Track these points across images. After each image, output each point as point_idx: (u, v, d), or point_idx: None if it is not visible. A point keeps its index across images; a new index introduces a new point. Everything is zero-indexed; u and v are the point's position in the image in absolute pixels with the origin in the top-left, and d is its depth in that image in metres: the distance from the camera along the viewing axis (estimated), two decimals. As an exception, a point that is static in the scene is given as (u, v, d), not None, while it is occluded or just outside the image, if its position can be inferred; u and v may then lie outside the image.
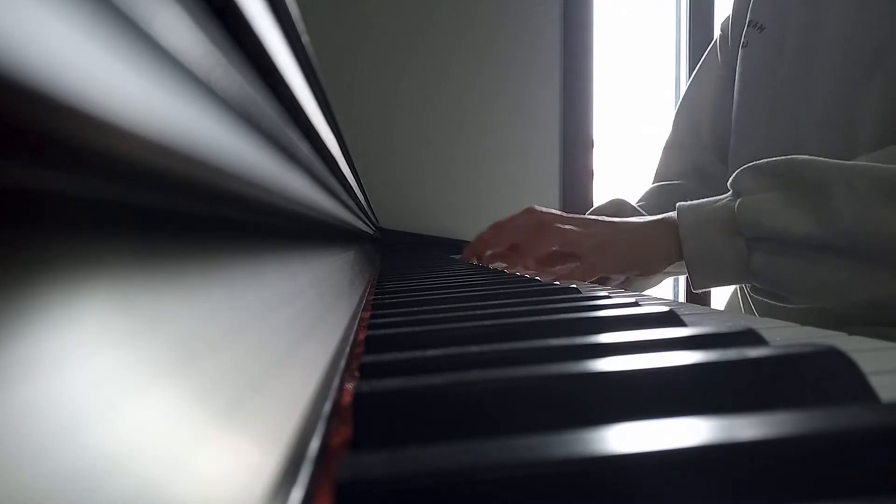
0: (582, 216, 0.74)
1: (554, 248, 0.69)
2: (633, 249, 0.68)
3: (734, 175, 0.62)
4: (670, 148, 0.95)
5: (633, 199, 0.91)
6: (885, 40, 0.64)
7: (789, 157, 0.59)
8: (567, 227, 0.69)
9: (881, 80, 0.64)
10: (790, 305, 0.62)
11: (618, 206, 0.86)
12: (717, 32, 0.92)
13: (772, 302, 0.63)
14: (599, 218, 0.72)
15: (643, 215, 0.83)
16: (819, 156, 0.59)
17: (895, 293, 0.58)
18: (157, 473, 0.08)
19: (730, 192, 0.63)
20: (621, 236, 0.68)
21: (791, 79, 0.73)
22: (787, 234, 0.57)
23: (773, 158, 0.60)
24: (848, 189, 0.55)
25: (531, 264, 0.73)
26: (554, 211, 0.74)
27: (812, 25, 0.71)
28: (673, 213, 0.66)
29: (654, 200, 0.91)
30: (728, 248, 0.61)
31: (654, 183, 0.97)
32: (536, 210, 0.73)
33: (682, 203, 0.66)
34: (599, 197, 1.60)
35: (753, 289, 0.64)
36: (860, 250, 0.55)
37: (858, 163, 0.57)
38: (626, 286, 0.82)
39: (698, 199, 0.70)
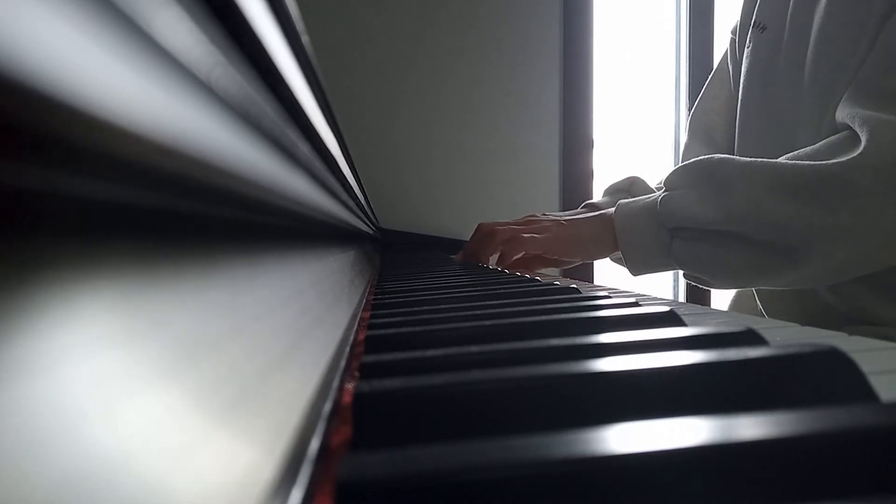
0: (531, 219, 0.85)
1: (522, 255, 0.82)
2: (574, 240, 0.79)
3: (669, 173, 0.72)
4: (688, 152, 0.98)
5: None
6: (857, 41, 0.65)
7: (710, 156, 0.69)
8: (528, 235, 0.79)
9: (847, 82, 0.66)
10: (712, 289, 0.73)
11: (631, 182, 0.95)
12: (730, 35, 0.94)
13: (699, 286, 0.75)
14: (546, 219, 0.84)
15: (652, 190, 0.95)
16: None
17: (801, 281, 0.65)
18: (158, 473, 0.08)
19: (663, 189, 0.72)
20: (565, 231, 0.80)
21: (784, 78, 0.75)
22: (697, 221, 0.66)
23: (699, 157, 0.70)
24: (745, 183, 0.63)
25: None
26: (502, 223, 0.84)
27: (803, 25, 0.73)
28: (612, 210, 0.77)
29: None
30: (653, 237, 0.71)
31: None
32: (492, 228, 0.84)
33: (622, 201, 0.77)
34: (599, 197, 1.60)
35: (684, 274, 0.73)
36: (755, 238, 0.63)
37: (765, 160, 0.64)
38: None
39: None
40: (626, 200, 0.76)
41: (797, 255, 0.61)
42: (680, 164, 0.71)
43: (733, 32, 0.92)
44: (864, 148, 0.57)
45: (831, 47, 0.68)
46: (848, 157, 0.58)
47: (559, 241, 0.79)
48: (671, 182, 0.70)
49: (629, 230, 0.73)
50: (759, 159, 0.65)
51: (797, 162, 0.62)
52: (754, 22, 0.81)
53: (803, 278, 0.64)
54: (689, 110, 1.00)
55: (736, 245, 0.65)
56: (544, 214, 0.87)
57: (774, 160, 0.64)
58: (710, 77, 0.97)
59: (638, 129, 1.85)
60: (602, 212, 0.80)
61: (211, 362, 0.12)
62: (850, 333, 0.30)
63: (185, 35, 0.11)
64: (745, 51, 0.83)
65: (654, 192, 0.91)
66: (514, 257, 0.82)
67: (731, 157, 0.67)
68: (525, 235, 0.80)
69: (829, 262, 0.61)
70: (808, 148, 0.65)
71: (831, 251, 0.60)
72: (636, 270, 0.75)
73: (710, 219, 0.65)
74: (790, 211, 0.60)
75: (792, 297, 0.76)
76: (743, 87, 0.83)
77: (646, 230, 0.72)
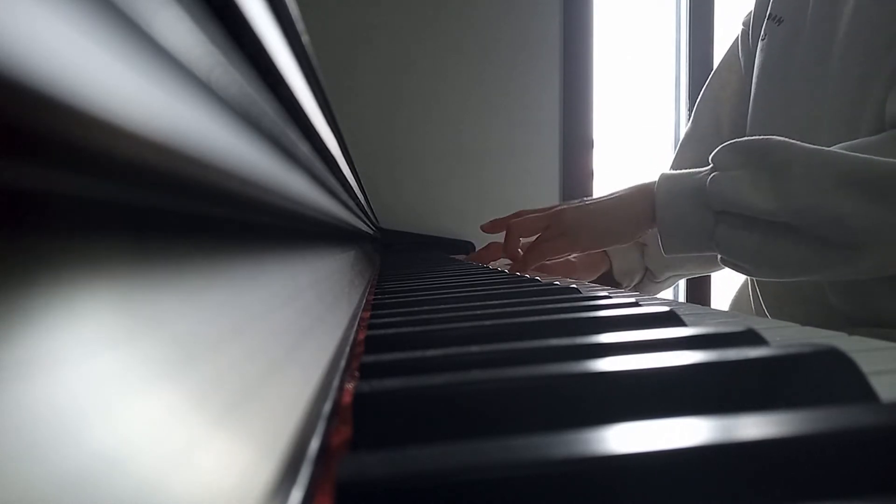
0: (550, 211, 0.79)
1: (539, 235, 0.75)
2: (608, 214, 0.73)
3: (716, 150, 0.65)
4: (689, 140, 0.95)
5: None
6: (894, 36, 0.63)
7: (766, 137, 0.62)
8: (547, 245, 0.75)
9: (886, 76, 0.64)
10: (751, 276, 0.67)
11: None
12: (741, 27, 0.91)
13: (736, 272, 0.68)
14: (566, 205, 0.77)
15: None
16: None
17: (846, 276, 0.62)
18: (158, 473, 0.08)
19: (710, 166, 0.66)
20: (599, 205, 0.73)
21: (805, 71, 0.73)
22: (749, 209, 0.61)
23: (753, 137, 0.64)
24: (806, 171, 0.58)
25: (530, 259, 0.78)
26: (534, 217, 0.79)
27: (828, 17, 0.71)
28: (653, 181, 0.70)
29: None
30: (696, 218, 0.66)
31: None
32: (518, 235, 0.78)
33: (665, 172, 0.70)
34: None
35: (721, 259, 0.68)
36: (810, 230, 0.59)
37: (828, 149, 0.59)
38: (637, 289, 0.86)
39: None
40: (669, 173, 0.70)
41: (852, 252, 0.58)
42: (729, 142, 0.65)
43: (745, 24, 0.89)
44: None
45: (864, 40, 0.66)
46: None
47: (587, 224, 0.73)
48: (721, 160, 0.65)
49: (671, 207, 0.68)
50: (821, 147, 0.60)
51: (870, 157, 0.57)
52: (770, 14, 0.79)
53: (849, 274, 0.62)
54: (690, 110, 0.98)
55: (789, 237, 0.60)
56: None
57: (837, 150, 0.59)
58: (717, 66, 0.94)
59: (638, 129, 1.85)
60: (641, 184, 0.73)
61: (211, 362, 0.12)
62: (851, 334, 0.30)
63: (185, 35, 0.11)
64: (760, 44, 0.81)
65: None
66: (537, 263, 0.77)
67: (789, 140, 0.61)
68: (545, 245, 0.75)
69: (883, 261, 0.59)
70: (868, 139, 0.61)
71: (889, 251, 0.58)
72: (671, 250, 0.70)
73: (763, 207, 0.60)
74: (857, 208, 0.56)
75: (797, 298, 0.75)
76: (756, 82, 0.81)
77: (689, 210, 0.66)
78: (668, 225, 0.68)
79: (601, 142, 1.68)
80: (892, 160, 0.57)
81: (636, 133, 1.85)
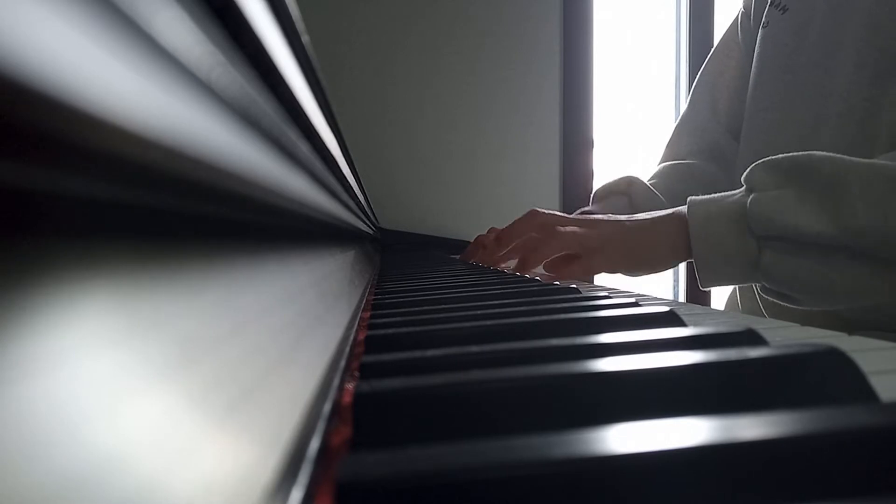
0: (586, 217, 0.72)
1: (559, 253, 0.68)
2: (640, 246, 0.65)
3: (749, 169, 0.60)
4: (685, 125, 0.92)
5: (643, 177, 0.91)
6: None
7: (807, 153, 0.57)
8: (570, 228, 0.67)
9: None
10: (799, 307, 0.60)
11: (629, 183, 0.85)
12: (741, 9, 0.88)
13: (781, 303, 0.61)
14: (605, 217, 0.70)
15: (654, 193, 0.84)
16: (832, 148, 0.57)
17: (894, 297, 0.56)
18: (158, 473, 0.08)
19: (743, 188, 0.60)
20: (629, 234, 0.66)
21: (812, 65, 0.69)
22: (800, 232, 0.55)
23: (790, 154, 0.58)
24: (864, 187, 0.52)
25: (538, 269, 0.72)
26: (556, 213, 0.73)
27: (840, 10, 0.67)
28: (683, 208, 0.64)
29: (666, 180, 0.89)
30: (738, 245, 0.59)
31: (665, 160, 0.95)
32: (539, 213, 0.71)
33: (694, 197, 0.64)
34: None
35: (763, 289, 0.62)
36: (874, 251, 0.53)
37: (876, 161, 0.55)
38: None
39: (711, 179, 0.67)
40: (700, 198, 0.63)
41: None
42: (762, 160, 0.59)
43: (745, 6, 0.85)
44: None
45: (883, 33, 0.62)
46: None
47: (618, 246, 0.65)
48: (758, 180, 0.58)
49: (708, 237, 0.60)
50: (873, 161, 0.54)
51: None
52: (772, 1, 0.76)
53: None
54: (690, 110, 0.98)
55: (844, 259, 0.54)
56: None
57: (879, 161, 0.54)
58: (713, 49, 0.91)
59: (638, 129, 1.85)
60: (670, 211, 0.65)
61: (211, 362, 0.12)
62: (851, 335, 0.30)
63: (185, 35, 0.11)
64: (761, 31, 0.77)
65: (653, 191, 0.85)
66: (548, 257, 0.68)
67: (836, 155, 0.55)
68: (563, 229, 0.66)
69: None
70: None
71: None
72: (710, 282, 0.63)
73: (818, 229, 0.54)
74: None
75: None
76: (756, 72, 0.77)
77: (728, 237, 0.59)
78: (705, 255, 0.61)
79: (601, 142, 1.68)
80: None
81: (636, 133, 1.85)
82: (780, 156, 0.58)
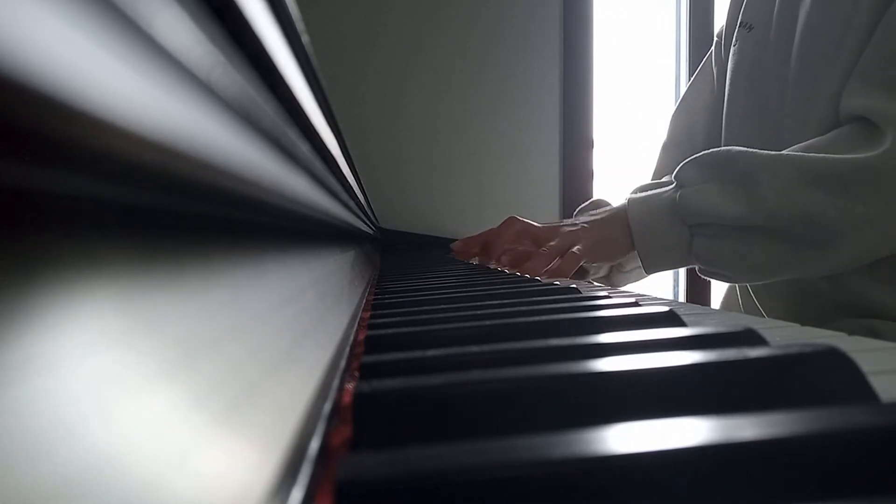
0: (549, 225, 0.80)
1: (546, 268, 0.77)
2: (596, 244, 0.75)
3: (678, 168, 0.69)
4: (667, 147, 0.98)
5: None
6: (844, 33, 0.66)
7: (725, 148, 0.67)
8: (547, 245, 0.75)
9: (837, 75, 0.66)
10: (730, 283, 0.70)
11: (595, 205, 0.92)
12: (715, 38, 0.94)
13: (717, 280, 0.72)
14: (567, 222, 0.79)
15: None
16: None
17: (823, 270, 0.66)
18: (158, 473, 0.08)
19: (674, 184, 0.70)
20: (585, 234, 0.75)
21: (772, 73, 0.75)
22: (722, 218, 0.64)
23: (711, 150, 0.68)
24: (772, 175, 0.62)
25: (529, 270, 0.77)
26: (530, 222, 0.81)
27: (789, 19, 0.73)
28: (624, 204, 0.73)
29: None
30: (672, 234, 0.69)
31: (651, 180, 0.99)
32: (517, 220, 0.80)
33: (632, 196, 0.74)
34: (599, 197, 1.60)
35: (700, 270, 0.71)
36: (784, 230, 0.62)
37: (788, 152, 0.63)
38: (605, 282, 0.88)
39: None
40: (637, 196, 0.73)
41: (825, 246, 0.61)
42: (690, 158, 0.69)
43: (718, 35, 0.92)
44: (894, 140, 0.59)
45: (817, 39, 0.68)
46: (883, 149, 0.59)
47: (593, 246, 0.75)
48: (685, 177, 0.68)
49: (646, 229, 0.71)
50: (780, 152, 0.64)
51: (828, 155, 0.61)
52: (741, 22, 0.82)
53: (826, 268, 0.65)
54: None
55: (762, 239, 0.64)
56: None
57: (795, 153, 0.63)
58: (692, 79, 0.97)
59: (638, 129, 1.85)
60: (614, 209, 0.76)
61: (211, 362, 0.12)
62: (839, 325, 0.30)
63: (185, 35, 0.11)
64: (732, 49, 0.83)
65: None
66: (539, 273, 0.74)
67: (749, 149, 0.65)
68: (576, 250, 0.74)
69: (855, 251, 0.62)
70: (819, 139, 0.65)
71: (859, 240, 0.61)
72: (652, 268, 0.73)
73: (736, 214, 0.63)
74: (823, 203, 0.60)
75: (786, 286, 0.76)
76: (729, 87, 0.83)
77: (664, 229, 0.70)
78: (646, 246, 0.71)
79: (601, 142, 1.68)
80: (847, 156, 0.60)
81: (636, 133, 1.85)
82: (704, 153, 0.68)
